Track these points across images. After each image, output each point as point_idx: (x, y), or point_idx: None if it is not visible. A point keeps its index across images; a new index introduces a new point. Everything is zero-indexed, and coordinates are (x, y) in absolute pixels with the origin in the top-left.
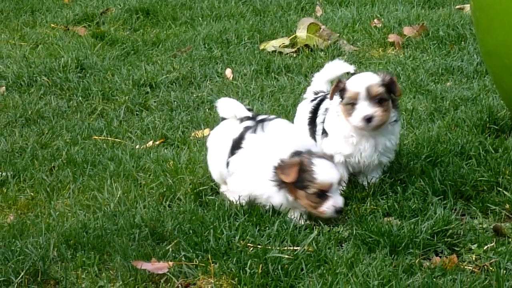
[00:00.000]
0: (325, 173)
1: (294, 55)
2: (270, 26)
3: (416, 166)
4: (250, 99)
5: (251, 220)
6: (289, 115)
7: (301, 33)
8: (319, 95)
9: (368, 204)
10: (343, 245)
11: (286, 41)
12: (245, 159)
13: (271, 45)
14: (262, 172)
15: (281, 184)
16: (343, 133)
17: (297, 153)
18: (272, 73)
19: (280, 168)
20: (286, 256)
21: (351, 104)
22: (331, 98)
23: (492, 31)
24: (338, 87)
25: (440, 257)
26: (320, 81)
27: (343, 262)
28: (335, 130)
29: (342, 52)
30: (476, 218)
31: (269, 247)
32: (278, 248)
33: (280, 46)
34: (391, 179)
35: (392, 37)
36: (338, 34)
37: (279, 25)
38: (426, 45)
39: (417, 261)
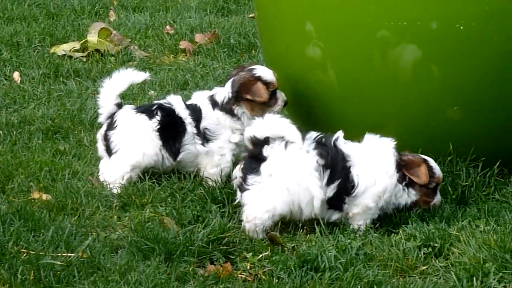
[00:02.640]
0: (437, 167)
1: (84, 60)
2: (62, 30)
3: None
4: (36, 103)
5: (27, 226)
6: (74, 119)
7: (92, 37)
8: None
9: (147, 211)
10: (118, 252)
11: (77, 45)
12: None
13: (61, 49)
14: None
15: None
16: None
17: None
18: (61, 77)
19: (406, 167)
20: (59, 263)
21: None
22: None
23: (275, 41)
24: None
25: (215, 265)
26: (110, 96)
27: (116, 269)
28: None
29: (133, 58)
30: None
31: (43, 253)
32: (52, 254)
33: (70, 50)
34: (171, 186)
35: (183, 44)
36: (129, 40)
37: (71, 29)
38: (216, 53)
39: (191, 269)
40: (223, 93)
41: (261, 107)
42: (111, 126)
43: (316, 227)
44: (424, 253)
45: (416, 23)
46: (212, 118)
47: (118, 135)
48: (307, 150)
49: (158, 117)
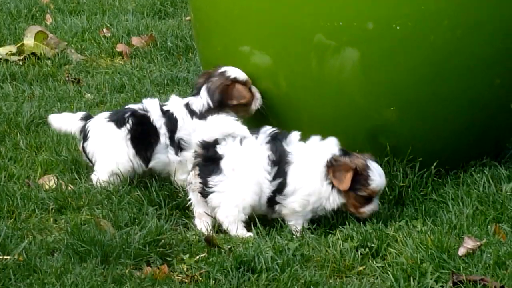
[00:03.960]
0: (379, 179)
1: (21, 63)
2: None
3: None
4: None
5: None
6: (10, 122)
7: (29, 41)
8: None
9: (84, 213)
10: (54, 254)
11: (14, 48)
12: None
13: None
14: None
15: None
16: None
17: (345, 153)
18: None
19: (333, 168)
20: None
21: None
22: None
23: (211, 43)
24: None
25: (152, 267)
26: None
27: (52, 272)
28: None
29: (70, 61)
30: (190, 229)
31: None
32: None
33: (7, 54)
34: (107, 189)
35: (120, 47)
36: (66, 43)
37: (8, 33)
38: (153, 56)
39: (127, 271)
40: (199, 102)
41: (244, 108)
42: (85, 138)
43: (252, 228)
44: (361, 254)
45: (353, 24)
46: (188, 128)
47: (91, 146)
48: (261, 143)
49: (129, 125)
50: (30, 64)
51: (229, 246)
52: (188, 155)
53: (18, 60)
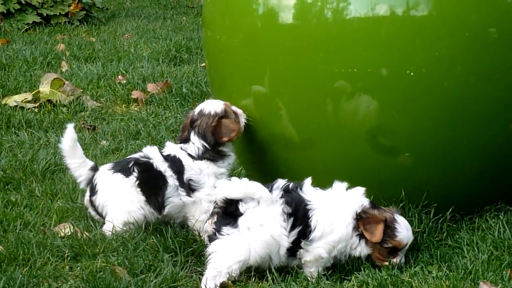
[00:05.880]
0: (406, 232)
1: (36, 110)
2: (14, 81)
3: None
4: None
5: None
6: (26, 170)
7: (44, 88)
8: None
9: (99, 260)
10: None
11: (29, 96)
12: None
13: (13, 99)
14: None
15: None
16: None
17: (373, 205)
18: (13, 128)
19: (363, 221)
20: None
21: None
22: None
23: (225, 89)
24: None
25: None
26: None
27: None
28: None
29: (85, 108)
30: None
31: None
32: None
33: (22, 101)
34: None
35: (135, 94)
36: (82, 90)
37: (23, 80)
38: (169, 102)
39: None
40: (193, 148)
41: (236, 135)
42: (93, 191)
43: (268, 274)
44: None
45: (367, 70)
46: (194, 168)
47: (101, 199)
48: (275, 199)
49: (135, 174)
50: (45, 111)
51: None
52: (201, 195)
53: (34, 107)
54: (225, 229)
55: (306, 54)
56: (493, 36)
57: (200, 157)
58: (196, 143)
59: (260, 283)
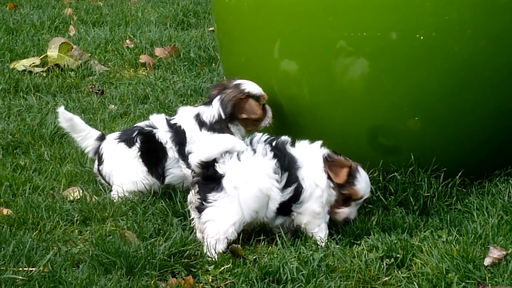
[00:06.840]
0: (364, 185)
1: (44, 75)
2: (22, 45)
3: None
4: None
5: None
6: (34, 134)
7: (52, 52)
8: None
9: (108, 224)
10: (80, 266)
11: (37, 60)
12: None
13: (21, 64)
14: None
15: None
16: None
17: (337, 153)
18: (21, 92)
19: (329, 164)
20: (20, 277)
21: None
22: None
23: (234, 54)
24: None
25: (177, 278)
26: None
27: (77, 284)
28: None
29: (93, 72)
30: None
31: (4, 268)
32: (13, 269)
33: (30, 65)
34: (132, 200)
35: (143, 58)
36: (89, 54)
37: (31, 44)
38: (177, 67)
39: (152, 282)
40: (210, 112)
41: (254, 123)
42: (100, 160)
43: (278, 239)
44: (386, 264)
45: (376, 34)
46: (196, 140)
47: (107, 168)
48: (263, 153)
49: (138, 144)
50: (53, 75)
51: (254, 257)
52: None
53: (42, 71)
54: (211, 196)
55: (315, 18)
56: (503, 0)
57: (209, 127)
58: (214, 109)
59: (270, 247)
